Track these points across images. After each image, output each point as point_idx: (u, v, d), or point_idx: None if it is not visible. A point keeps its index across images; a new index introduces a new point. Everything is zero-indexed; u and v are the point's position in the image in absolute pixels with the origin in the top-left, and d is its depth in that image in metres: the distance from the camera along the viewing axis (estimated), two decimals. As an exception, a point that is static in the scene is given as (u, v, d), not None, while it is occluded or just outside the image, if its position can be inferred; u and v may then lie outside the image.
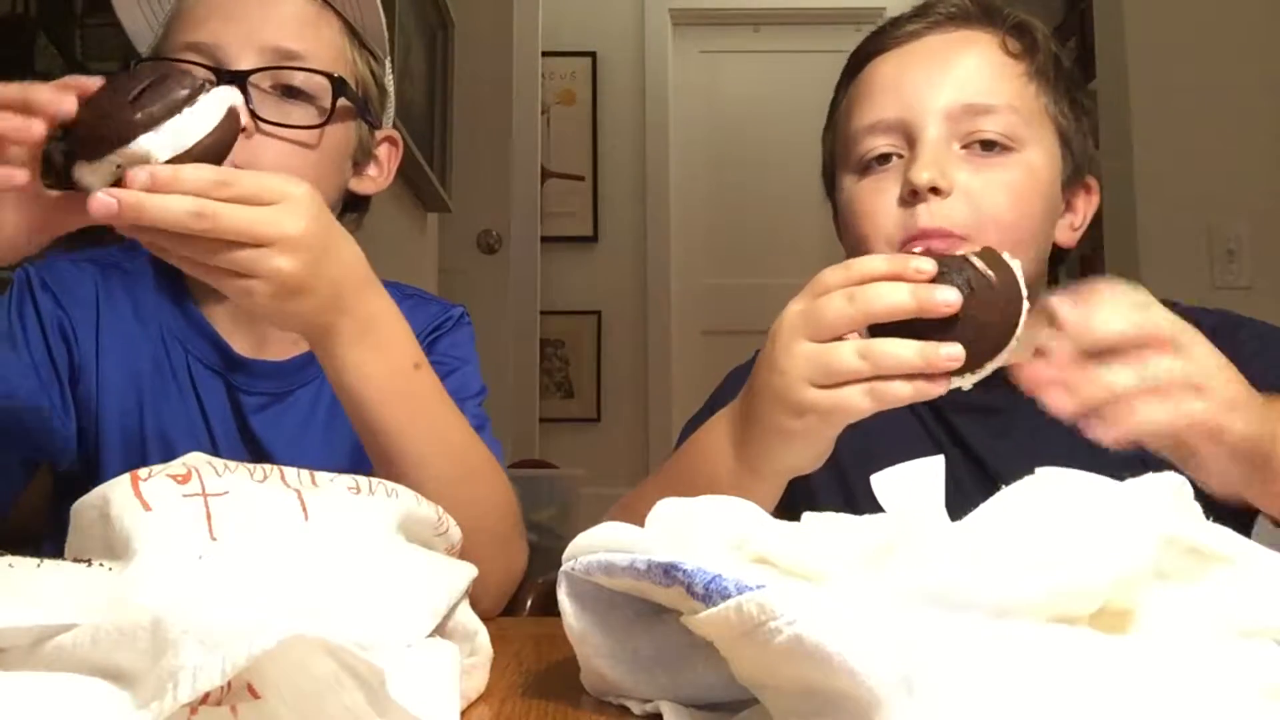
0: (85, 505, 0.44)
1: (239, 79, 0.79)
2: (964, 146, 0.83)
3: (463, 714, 0.46)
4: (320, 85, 0.83)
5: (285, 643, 0.34)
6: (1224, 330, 0.86)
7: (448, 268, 2.99)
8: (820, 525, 0.45)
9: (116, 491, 0.42)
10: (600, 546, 0.46)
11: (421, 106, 2.52)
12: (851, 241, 0.88)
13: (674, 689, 0.46)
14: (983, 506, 0.42)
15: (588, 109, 4.33)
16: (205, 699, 0.35)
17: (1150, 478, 0.45)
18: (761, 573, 0.40)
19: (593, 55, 4.33)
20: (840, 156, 0.91)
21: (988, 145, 0.83)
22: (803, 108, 4.62)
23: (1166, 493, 0.44)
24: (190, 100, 0.61)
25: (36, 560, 0.42)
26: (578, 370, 4.24)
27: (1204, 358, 0.60)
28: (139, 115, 0.60)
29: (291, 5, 0.85)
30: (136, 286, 0.89)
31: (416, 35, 2.45)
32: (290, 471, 0.46)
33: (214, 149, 0.63)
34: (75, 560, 0.43)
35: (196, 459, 0.46)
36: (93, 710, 0.36)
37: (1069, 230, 0.90)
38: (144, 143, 0.60)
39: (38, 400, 0.84)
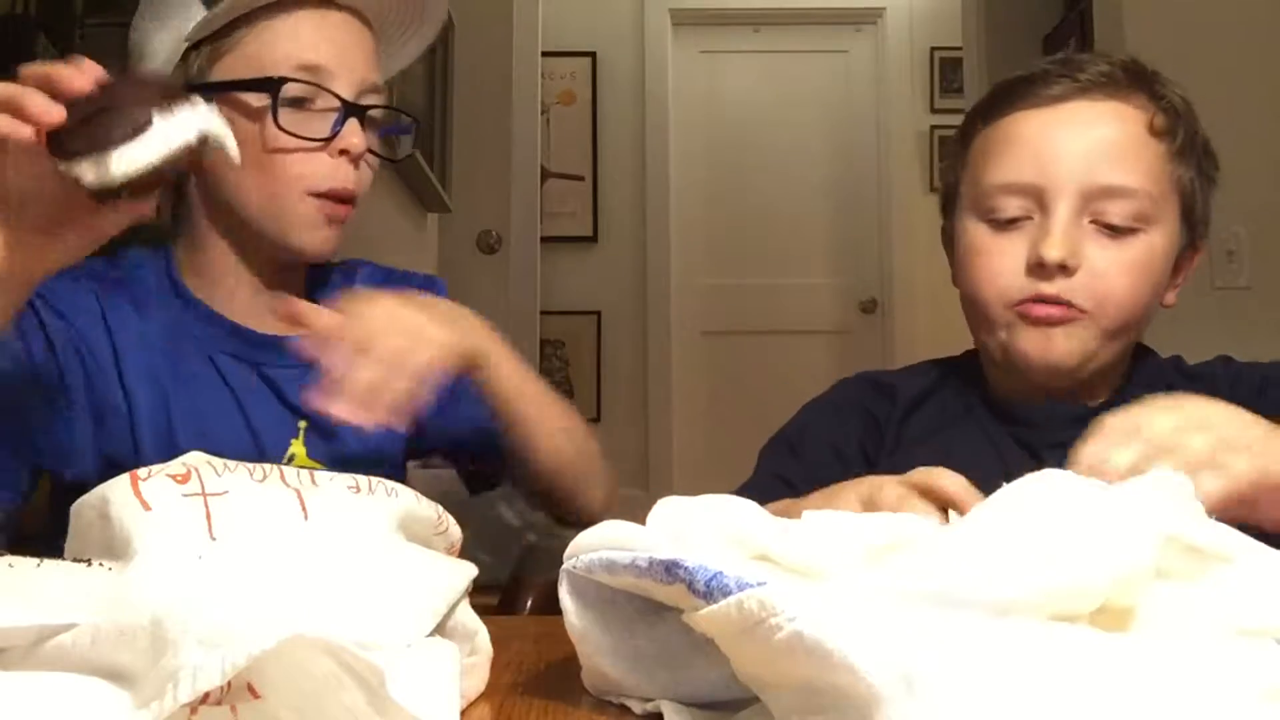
0: (84, 506, 0.44)
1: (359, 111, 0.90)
2: (1092, 221, 0.84)
3: (463, 714, 0.46)
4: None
5: (285, 643, 0.34)
6: (1243, 380, 0.88)
7: (447, 268, 2.99)
8: (821, 524, 0.45)
9: (116, 491, 0.42)
10: (601, 545, 0.46)
11: (421, 106, 2.52)
12: (968, 288, 0.91)
13: (675, 687, 0.46)
14: (983, 505, 0.42)
15: (588, 109, 4.33)
16: (205, 699, 0.35)
17: (1151, 477, 0.45)
18: (763, 570, 0.40)
19: (593, 55, 4.33)
20: (967, 197, 0.92)
21: (1115, 226, 0.84)
22: (803, 108, 4.64)
23: (1167, 492, 0.44)
24: (129, 138, 0.62)
25: (36, 560, 0.42)
26: (578, 370, 4.24)
27: (1198, 445, 0.61)
28: (72, 147, 0.62)
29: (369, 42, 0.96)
30: (134, 290, 0.91)
31: (416, 35, 2.45)
32: (290, 471, 0.46)
33: (150, 177, 0.63)
34: (75, 560, 0.43)
35: (196, 458, 0.46)
36: (93, 710, 0.36)
37: (1171, 291, 0.91)
38: (74, 168, 0.62)
39: (42, 412, 0.84)
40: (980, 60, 3.28)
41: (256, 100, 0.86)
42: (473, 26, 3.01)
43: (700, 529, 0.46)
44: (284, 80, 0.85)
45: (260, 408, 0.91)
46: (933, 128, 4.30)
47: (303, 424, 0.93)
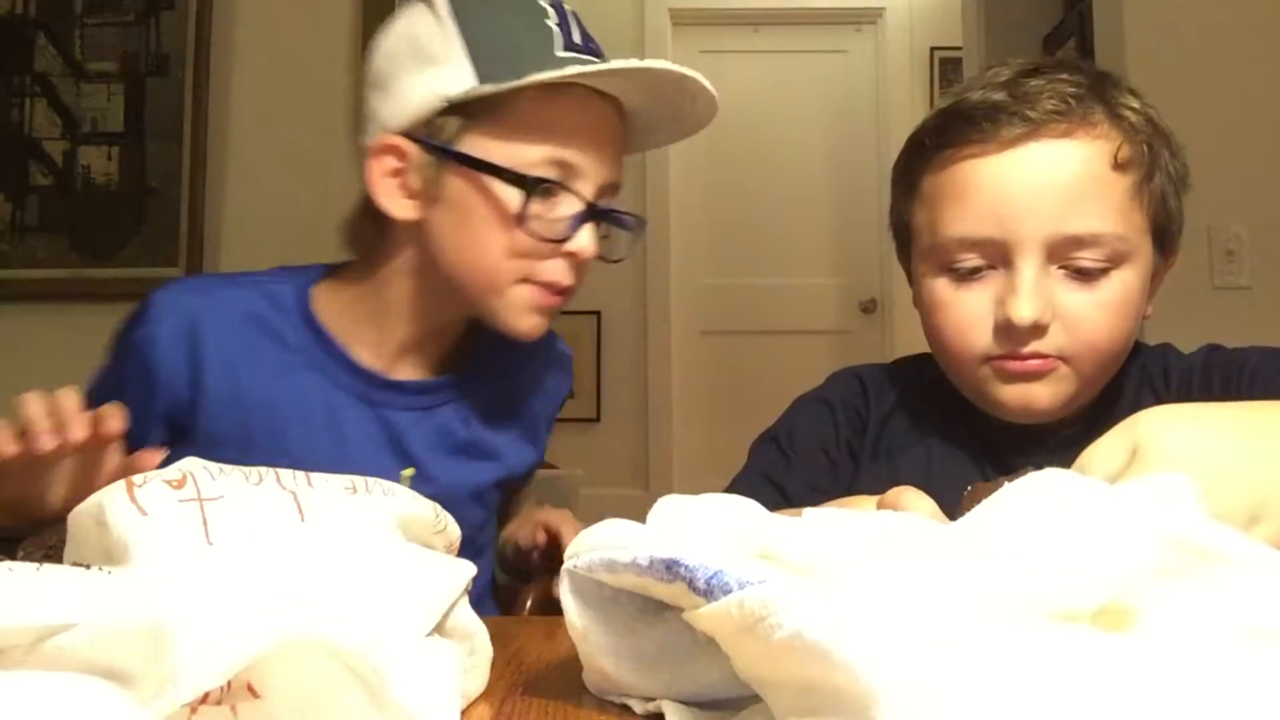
0: (82, 514, 0.44)
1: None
2: (1061, 268, 0.80)
3: (463, 714, 0.46)
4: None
5: (285, 643, 0.34)
6: (1217, 370, 0.85)
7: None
8: (822, 522, 0.45)
9: (112, 499, 0.42)
10: (602, 544, 0.46)
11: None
12: (935, 342, 0.87)
13: (676, 686, 0.46)
14: (984, 503, 0.42)
15: (587, 109, 4.32)
16: (205, 699, 0.35)
17: (1152, 476, 0.45)
18: (764, 569, 0.40)
19: (592, 55, 4.33)
20: (924, 242, 0.86)
21: (1085, 270, 0.80)
22: (803, 108, 4.64)
23: (1169, 491, 0.44)
24: None
25: (35, 565, 0.42)
26: (578, 370, 4.22)
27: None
28: None
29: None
30: (262, 313, 0.92)
31: (416, 35, 2.45)
32: (285, 473, 0.46)
33: None
34: (74, 565, 0.43)
35: (192, 464, 0.46)
36: (93, 710, 0.36)
37: (1148, 303, 0.87)
38: None
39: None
40: (980, 60, 3.28)
41: (501, 187, 0.85)
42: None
43: (700, 528, 0.46)
44: (540, 182, 0.85)
45: (369, 450, 0.92)
46: (932, 128, 4.30)
47: (409, 472, 0.94)
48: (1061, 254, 0.80)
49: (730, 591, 0.37)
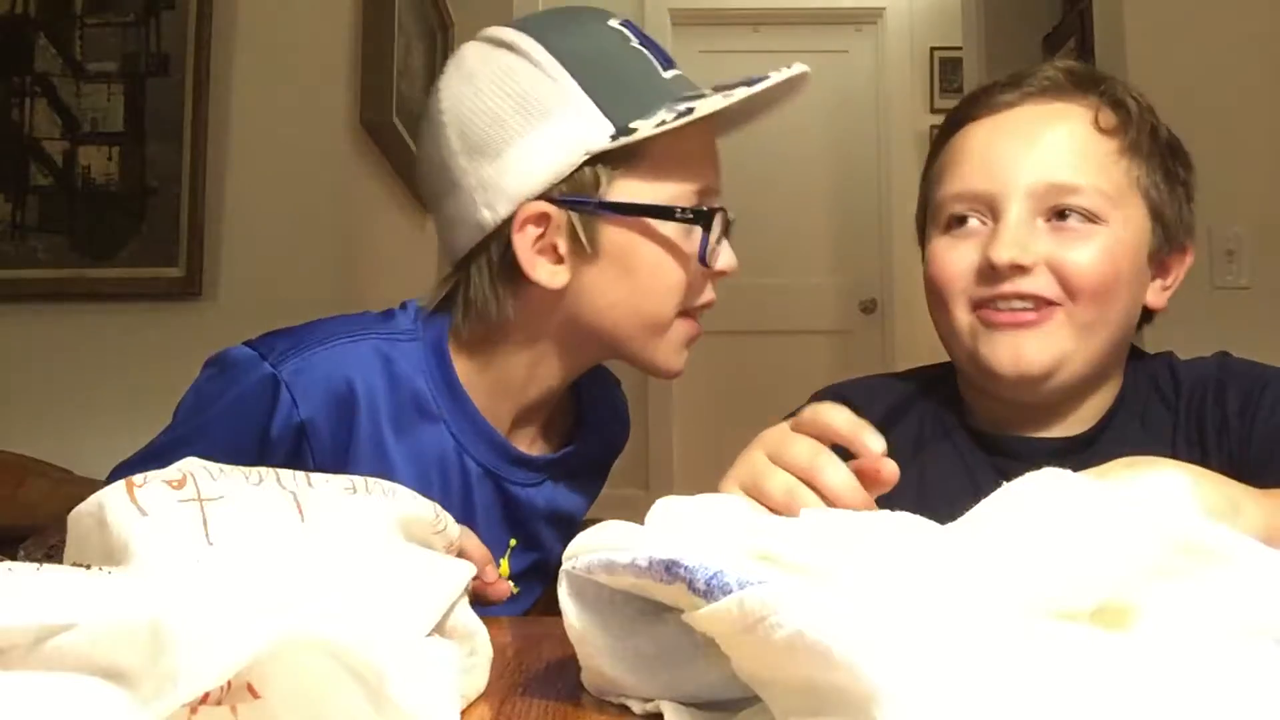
0: (82, 514, 0.44)
1: None
2: (1047, 220, 0.84)
3: (463, 714, 0.46)
4: None
5: (285, 642, 0.34)
6: (1232, 384, 0.86)
7: (447, 269, 2.98)
8: (822, 521, 0.45)
9: (112, 499, 0.42)
10: (601, 545, 0.46)
11: (421, 106, 2.52)
12: (930, 294, 0.90)
13: (675, 687, 0.46)
14: (984, 503, 0.42)
15: (587, 109, 4.32)
16: (205, 699, 0.35)
17: (1150, 475, 0.45)
18: (763, 569, 0.40)
19: (592, 55, 4.33)
20: (930, 216, 0.92)
21: (1069, 216, 0.83)
22: (803, 108, 4.62)
23: (1167, 490, 0.44)
24: None
25: (35, 565, 0.42)
26: (578, 370, 4.24)
27: None
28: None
29: None
30: (394, 367, 0.86)
31: (416, 35, 2.45)
32: (285, 473, 0.46)
33: None
34: (74, 565, 0.43)
35: (192, 464, 0.46)
36: (93, 710, 0.36)
37: (1160, 292, 0.90)
38: None
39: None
40: (980, 60, 3.28)
41: (668, 227, 0.84)
42: (473, 26, 3.01)
43: (699, 528, 0.46)
44: (713, 213, 0.87)
45: (492, 522, 0.91)
46: (932, 128, 4.27)
47: (513, 541, 0.93)
48: (1045, 205, 0.83)
49: (730, 592, 0.37)
